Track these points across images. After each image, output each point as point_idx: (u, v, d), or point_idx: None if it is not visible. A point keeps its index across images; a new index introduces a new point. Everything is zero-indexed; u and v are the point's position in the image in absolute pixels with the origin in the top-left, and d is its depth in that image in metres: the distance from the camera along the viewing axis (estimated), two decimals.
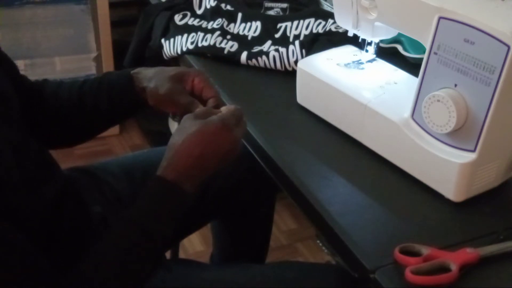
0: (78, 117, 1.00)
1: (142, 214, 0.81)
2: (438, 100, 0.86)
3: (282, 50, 1.22)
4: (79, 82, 1.00)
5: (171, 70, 0.96)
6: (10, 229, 0.71)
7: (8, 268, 0.69)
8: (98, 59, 2.36)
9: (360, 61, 1.10)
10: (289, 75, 1.18)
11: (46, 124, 0.99)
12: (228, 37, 1.27)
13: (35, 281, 0.72)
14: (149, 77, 0.96)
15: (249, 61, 1.23)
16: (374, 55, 1.10)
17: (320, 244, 1.84)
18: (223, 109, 0.88)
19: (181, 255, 1.70)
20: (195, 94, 0.96)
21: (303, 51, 1.20)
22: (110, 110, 0.99)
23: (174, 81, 0.95)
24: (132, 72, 0.98)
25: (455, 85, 0.85)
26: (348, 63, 1.09)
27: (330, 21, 1.24)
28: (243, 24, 1.30)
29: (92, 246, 0.79)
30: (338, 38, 1.20)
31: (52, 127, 1.00)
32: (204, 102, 0.95)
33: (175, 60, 1.31)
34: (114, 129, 2.43)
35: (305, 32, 1.25)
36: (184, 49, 1.27)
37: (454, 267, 0.76)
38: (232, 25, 1.30)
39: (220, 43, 1.26)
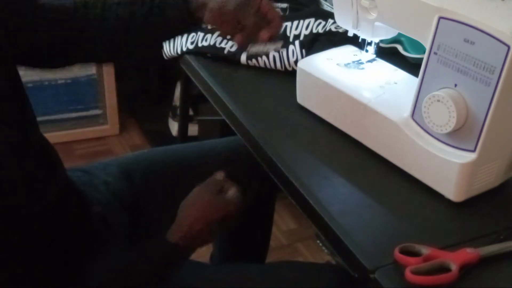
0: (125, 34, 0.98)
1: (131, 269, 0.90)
2: (438, 100, 0.86)
3: (282, 50, 1.21)
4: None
5: None
6: (9, 229, 0.72)
7: (6, 269, 0.70)
8: None
9: (360, 61, 1.09)
10: (289, 75, 1.18)
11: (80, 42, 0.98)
12: (228, 37, 1.27)
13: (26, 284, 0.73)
14: None
15: (249, 61, 1.23)
16: (374, 55, 1.10)
17: (320, 244, 1.84)
18: (231, 190, 0.99)
19: None
20: (259, 16, 0.96)
21: (303, 51, 1.20)
22: (159, 27, 0.98)
23: None
24: None
25: (455, 85, 0.85)
26: (348, 63, 1.09)
27: (330, 21, 1.24)
28: None
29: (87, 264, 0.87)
30: (338, 38, 1.20)
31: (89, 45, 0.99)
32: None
33: (175, 60, 1.31)
34: (114, 129, 2.42)
35: (305, 32, 1.25)
36: (184, 49, 1.27)
37: (454, 267, 0.76)
38: None
39: (220, 43, 1.26)
